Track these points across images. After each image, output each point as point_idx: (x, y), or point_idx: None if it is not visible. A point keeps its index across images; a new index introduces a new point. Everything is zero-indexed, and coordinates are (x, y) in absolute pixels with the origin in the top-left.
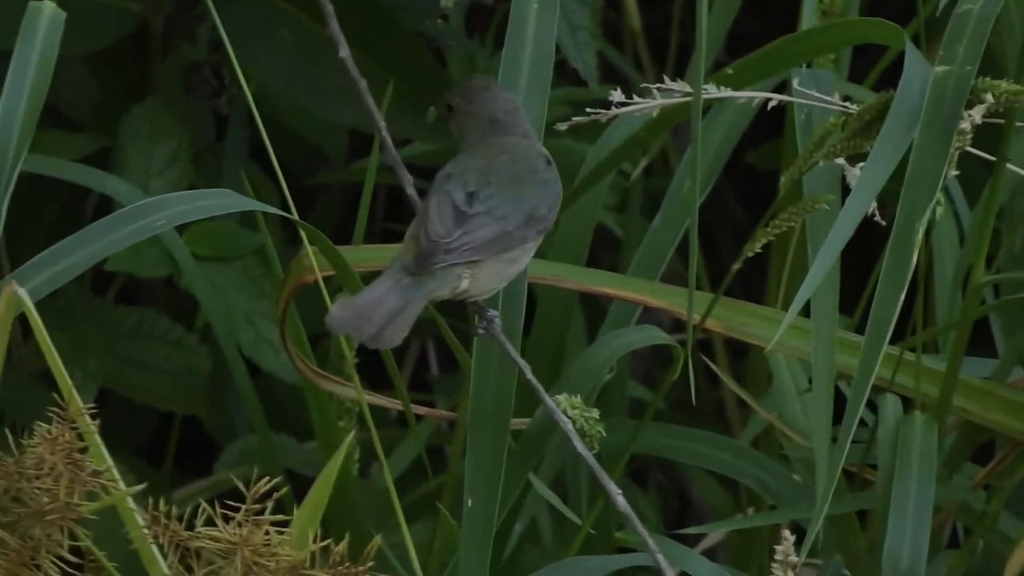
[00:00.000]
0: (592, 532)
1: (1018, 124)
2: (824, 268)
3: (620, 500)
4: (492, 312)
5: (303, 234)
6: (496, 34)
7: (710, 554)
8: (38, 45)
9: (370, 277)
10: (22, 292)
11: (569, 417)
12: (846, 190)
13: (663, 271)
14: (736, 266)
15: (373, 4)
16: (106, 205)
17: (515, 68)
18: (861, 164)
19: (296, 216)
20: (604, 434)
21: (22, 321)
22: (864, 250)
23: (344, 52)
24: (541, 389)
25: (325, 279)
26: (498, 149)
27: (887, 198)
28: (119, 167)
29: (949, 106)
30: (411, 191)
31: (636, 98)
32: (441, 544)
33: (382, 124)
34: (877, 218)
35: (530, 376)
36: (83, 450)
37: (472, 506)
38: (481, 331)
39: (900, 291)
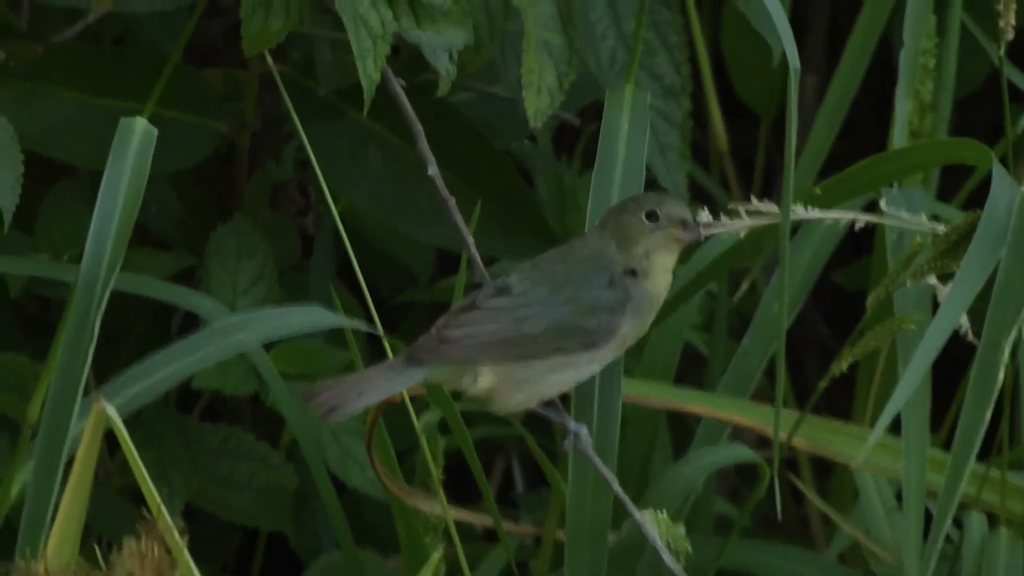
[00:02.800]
0: None
1: None
2: (913, 384)
3: None
4: (576, 425)
5: (388, 351)
6: (584, 153)
7: None
8: (130, 161)
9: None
10: (111, 409)
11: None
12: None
13: (751, 390)
14: (822, 384)
15: (463, 124)
16: (191, 322)
17: (606, 187)
18: (950, 283)
19: (379, 332)
20: (691, 550)
21: (108, 437)
22: (953, 369)
23: (433, 170)
24: (629, 502)
25: (412, 397)
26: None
27: (975, 318)
28: (205, 285)
29: None
30: None
31: (724, 218)
32: None
33: (470, 241)
34: (969, 337)
35: (617, 489)
36: (171, 566)
37: None
38: (569, 446)
39: (986, 408)
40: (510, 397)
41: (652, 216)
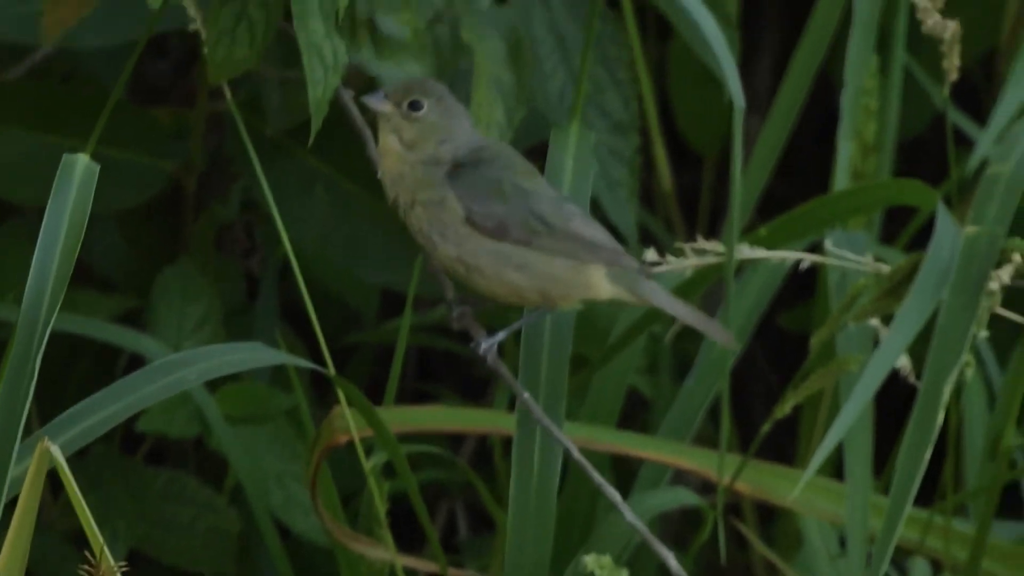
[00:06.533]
0: None
1: None
2: (850, 420)
3: None
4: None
5: (339, 392)
6: None
7: None
8: (71, 198)
9: (402, 439)
10: (55, 449)
11: None
12: None
13: (694, 433)
14: (766, 428)
15: None
16: (136, 365)
17: None
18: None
19: (329, 372)
20: None
21: (52, 480)
22: (899, 414)
23: (382, 174)
24: (590, 467)
25: (357, 440)
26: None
27: (919, 361)
28: (151, 326)
29: (978, 267)
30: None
31: (669, 258)
32: None
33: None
34: (912, 380)
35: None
36: None
37: None
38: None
39: (925, 451)
40: None
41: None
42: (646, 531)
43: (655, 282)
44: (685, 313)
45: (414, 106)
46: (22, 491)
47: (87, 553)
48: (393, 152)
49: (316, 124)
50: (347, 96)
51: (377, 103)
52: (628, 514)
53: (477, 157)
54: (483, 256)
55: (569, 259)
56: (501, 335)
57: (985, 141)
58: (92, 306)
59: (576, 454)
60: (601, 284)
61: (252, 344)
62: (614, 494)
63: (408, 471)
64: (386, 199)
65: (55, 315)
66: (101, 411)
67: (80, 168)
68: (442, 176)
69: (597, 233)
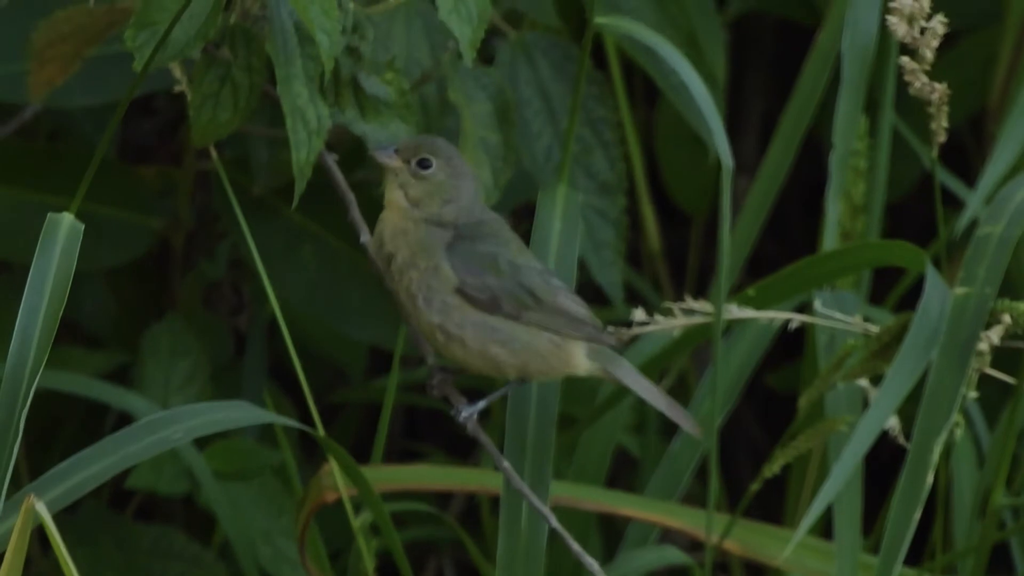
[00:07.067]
0: None
1: None
2: (840, 481)
3: None
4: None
5: (326, 451)
6: None
7: None
8: (56, 257)
9: (386, 498)
10: (40, 505)
11: None
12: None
13: (682, 492)
14: (754, 487)
15: None
16: (126, 419)
17: None
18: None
19: (317, 431)
20: None
21: (41, 536)
22: (889, 474)
23: (365, 238)
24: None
25: (346, 498)
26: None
27: (908, 421)
28: (139, 383)
29: (968, 328)
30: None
31: (658, 318)
32: None
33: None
34: (900, 440)
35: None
36: None
37: None
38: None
39: (914, 510)
40: None
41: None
42: None
43: (627, 361)
44: (654, 396)
45: (423, 164)
46: (8, 547)
47: None
48: (398, 207)
49: (300, 187)
50: (330, 159)
51: (387, 158)
52: None
53: (476, 232)
54: (468, 328)
55: (554, 335)
56: (482, 404)
57: (975, 201)
58: (80, 363)
59: (554, 524)
60: (580, 361)
61: (239, 403)
62: (592, 563)
63: (392, 531)
64: (369, 254)
65: (39, 374)
66: (89, 468)
67: (65, 228)
68: (442, 241)
69: (580, 309)
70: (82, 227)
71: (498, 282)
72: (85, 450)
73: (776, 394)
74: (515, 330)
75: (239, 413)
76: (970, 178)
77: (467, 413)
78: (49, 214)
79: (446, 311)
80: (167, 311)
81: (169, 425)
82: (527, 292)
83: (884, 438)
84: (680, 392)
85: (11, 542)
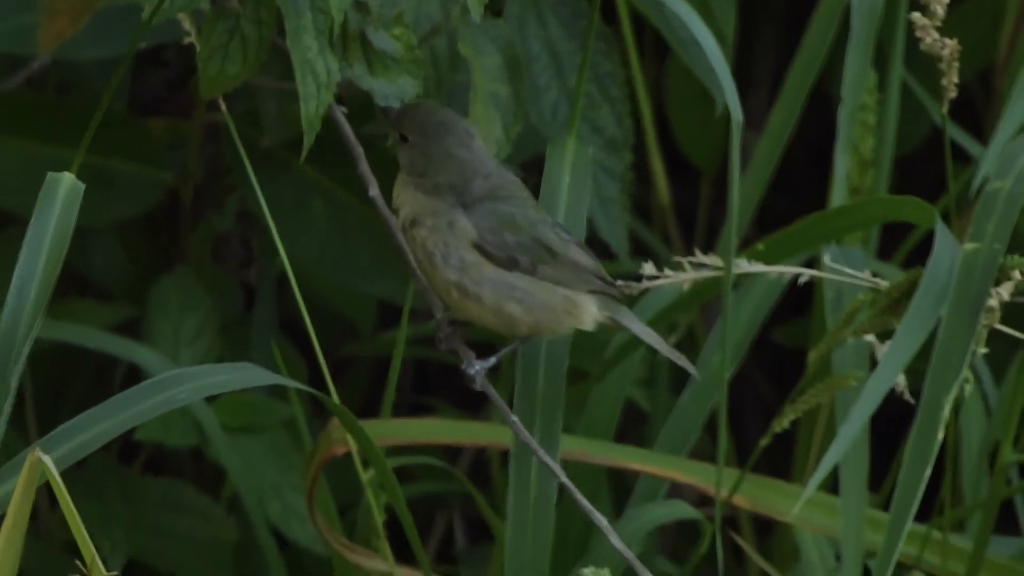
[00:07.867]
0: None
1: None
2: (848, 441)
3: None
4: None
5: (330, 409)
6: None
7: None
8: (54, 217)
9: (395, 452)
10: (46, 459)
11: None
12: (875, 368)
13: (691, 447)
14: (763, 442)
15: None
16: (135, 374)
17: None
18: (890, 341)
19: (326, 388)
20: None
21: (49, 490)
22: (894, 429)
23: (374, 191)
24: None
25: (355, 452)
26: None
27: (914, 377)
28: (148, 337)
29: (977, 284)
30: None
31: (667, 272)
32: None
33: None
34: (906, 396)
35: (564, 479)
36: None
37: None
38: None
39: (925, 468)
40: None
41: None
42: (632, 557)
43: (628, 309)
44: (658, 343)
45: (401, 136)
46: (12, 501)
47: (79, 562)
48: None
49: (309, 140)
50: (340, 113)
51: (388, 121)
52: (615, 539)
53: (493, 194)
54: (486, 284)
55: (567, 290)
56: (492, 360)
57: (988, 158)
58: (89, 315)
59: (564, 479)
60: (591, 312)
61: (246, 364)
62: (601, 520)
63: (397, 487)
64: (379, 208)
65: (36, 327)
66: (96, 426)
67: (64, 187)
68: (449, 205)
69: (590, 260)
70: (82, 187)
71: (515, 239)
72: (92, 408)
73: (784, 351)
74: (532, 287)
75: (246, 374)
76: (979, 132)
77: (477, 368)
78: (48, 173)
79: (464, 268)
80: (176, 264)
81: (176, 385)
82: (543, 247)
83: (891, 394)
84: (689, 347)
85: (15, 496)
